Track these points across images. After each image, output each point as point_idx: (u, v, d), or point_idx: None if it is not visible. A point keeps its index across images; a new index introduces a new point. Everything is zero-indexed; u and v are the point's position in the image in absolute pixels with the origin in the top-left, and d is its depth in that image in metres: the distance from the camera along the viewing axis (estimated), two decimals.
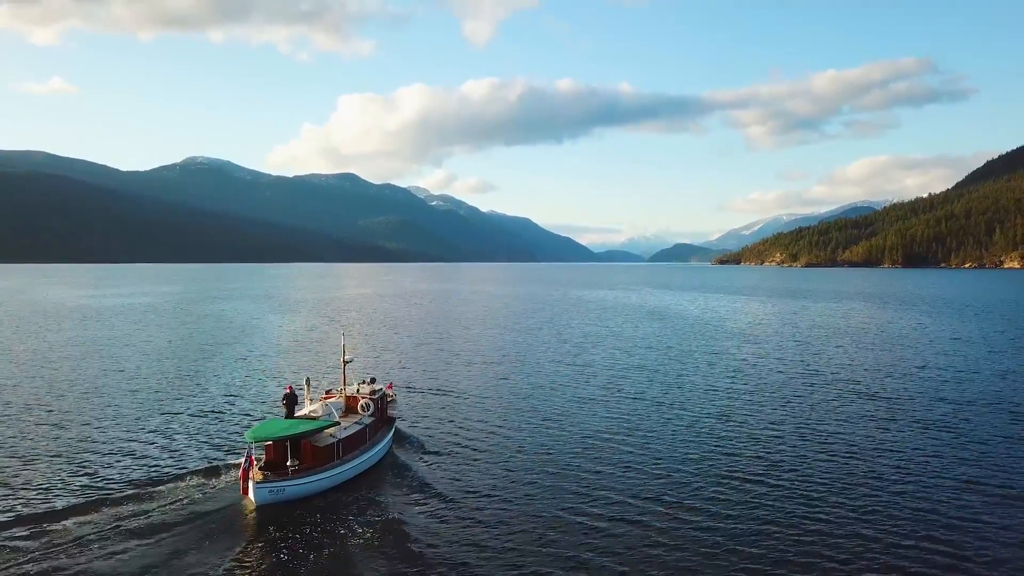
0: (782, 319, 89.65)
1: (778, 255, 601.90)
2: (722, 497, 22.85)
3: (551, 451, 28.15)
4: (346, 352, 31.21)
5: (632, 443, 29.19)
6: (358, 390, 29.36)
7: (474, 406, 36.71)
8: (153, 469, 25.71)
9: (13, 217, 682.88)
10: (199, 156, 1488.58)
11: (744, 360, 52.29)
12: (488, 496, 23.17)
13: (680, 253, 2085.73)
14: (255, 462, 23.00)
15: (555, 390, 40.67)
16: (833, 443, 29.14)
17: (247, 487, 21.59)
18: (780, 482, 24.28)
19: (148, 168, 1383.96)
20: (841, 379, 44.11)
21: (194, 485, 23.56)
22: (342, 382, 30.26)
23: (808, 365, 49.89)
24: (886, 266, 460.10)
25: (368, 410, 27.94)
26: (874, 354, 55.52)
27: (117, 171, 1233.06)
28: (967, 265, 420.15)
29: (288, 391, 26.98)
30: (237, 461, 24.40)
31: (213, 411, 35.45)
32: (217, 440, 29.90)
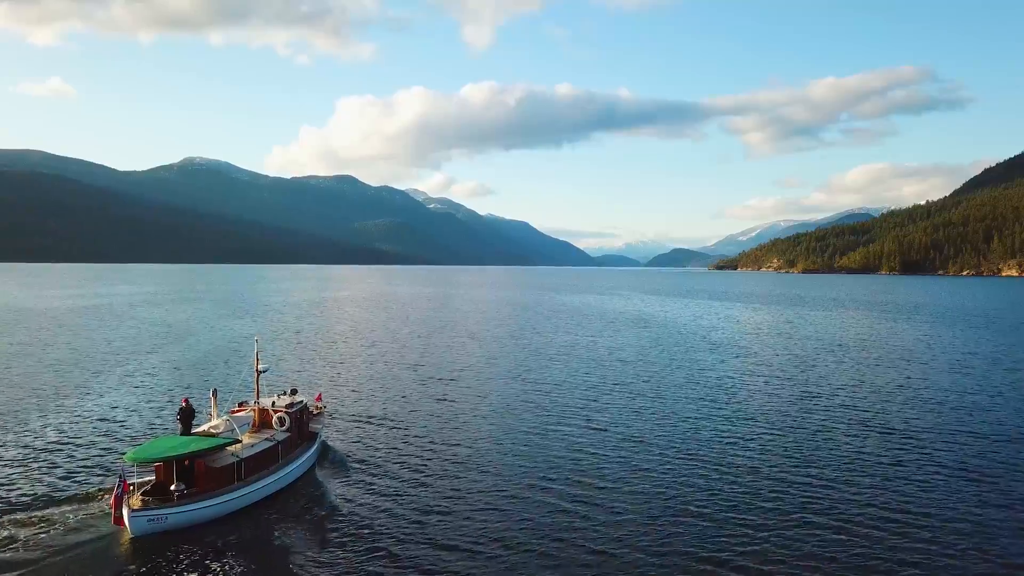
0: (775, 329, 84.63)
1: (775, 261, 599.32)
2: (667, 561, 18.00)
3: (488, 483, 24.63)
4: (260, 361, 28.33)
5: (575, 481, 24.49)
6: (274, 403, 26.65)
7: (415, 424, 33.17)
8: (18, 494, 22.64)
9: (10, 217, 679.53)
10: (197, 157, 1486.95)
11: (728, 378, 46.87)
12: (406, 524, 20.71)
13: (678, 258, 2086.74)
14: (131, 487, 20.55)
15: (505, 412, 35.96)
16: (824, 495, 23.72)
17: (121, 515, 19.04)
18: (749, 553, 19.25)
19: (146, 168, 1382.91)
20: (838, 404, 38.15)
21: (67, 512, 20.85)
22: (255, 394, 27.41)
23: (800, 385, 44.28)
24: (883, 273, 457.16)
25: (283, 425, 25.57)
26: (876, 372, 49.64)
27: (114, 171, 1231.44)
28: (965, 273, 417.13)
29: (184, 404, 24.38)
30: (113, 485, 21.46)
31: (100, 428, 32.03)
32: (100, 461, 26.49)
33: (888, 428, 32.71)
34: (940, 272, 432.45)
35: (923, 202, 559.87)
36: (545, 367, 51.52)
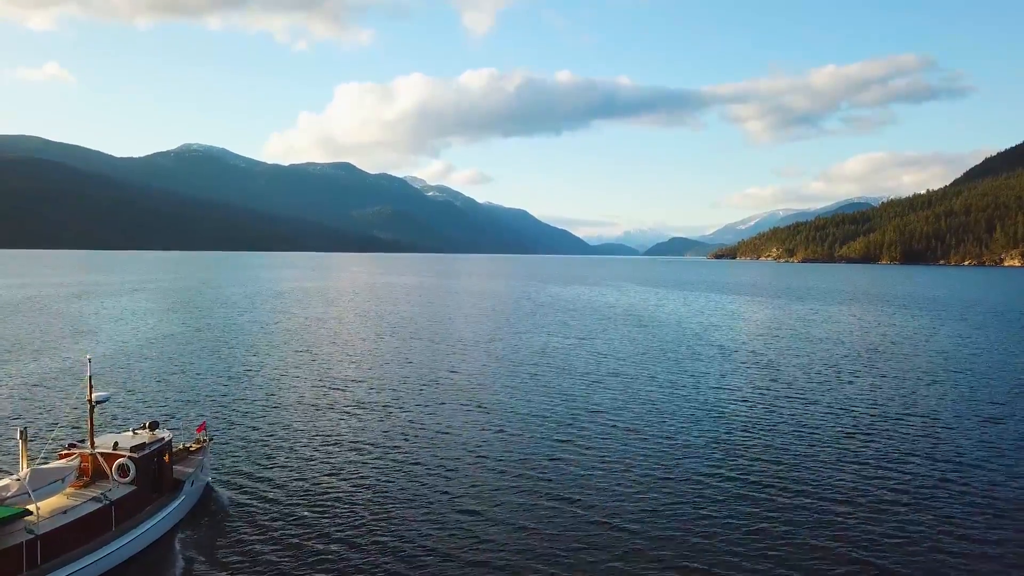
0: (788, 329, 74.87)
1: (775, 250, 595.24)
2: None
3: (417, 545, 19.13)
4: (96, 388, 20.77)
5: (519, 530, 19.87)
6: (116, 444, 19.97)
7: (337, 463, 26.06)
8: None
9: (6, 203, 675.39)
10: (194, 143, 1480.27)
11: (741, 402, 37.52)
12: None
13: (676, 247, 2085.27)
14: None
15: (451, 445, 29.38)
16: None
17: None
18: None
19: (143, 154, 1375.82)
20: (890, 445, 29.00)
21: None
22: (89, 434, 20.30)
23: (836, 414, 34.63)
24: (884, 262, 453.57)
25: (126, 474, 19.22)
26: (928, 393, 39.92)
27: (111, 157, 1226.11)
28: (967, 262, 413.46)
29: None
30: None
31: None
32: None
33: (970, 486, 24.14)
34: (941, 262, 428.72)
35: (923, 191, 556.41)
36: (512, 386, 41.15)
